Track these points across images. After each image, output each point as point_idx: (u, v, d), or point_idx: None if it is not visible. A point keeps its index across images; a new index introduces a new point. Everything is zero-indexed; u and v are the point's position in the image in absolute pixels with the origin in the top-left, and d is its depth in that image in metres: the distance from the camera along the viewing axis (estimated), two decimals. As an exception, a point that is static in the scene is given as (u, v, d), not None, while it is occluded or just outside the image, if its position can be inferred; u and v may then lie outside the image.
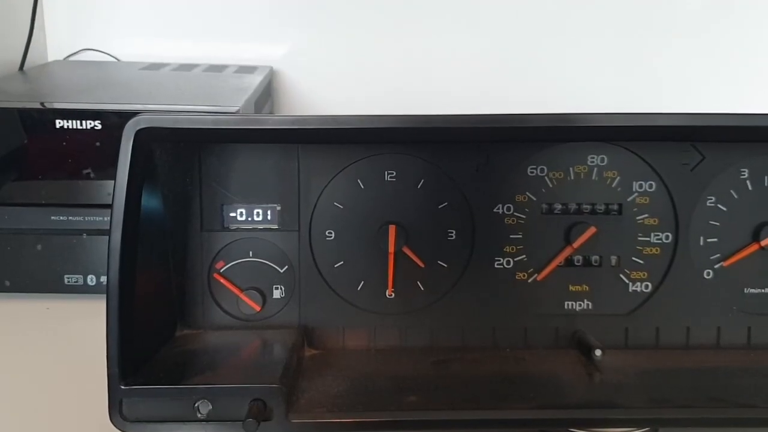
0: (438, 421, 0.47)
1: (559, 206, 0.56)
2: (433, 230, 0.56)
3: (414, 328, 0.56)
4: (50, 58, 1.08)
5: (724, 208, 0.56)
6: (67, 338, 0.63)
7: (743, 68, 1.11)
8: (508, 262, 0.56)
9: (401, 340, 0.56)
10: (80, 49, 1.08)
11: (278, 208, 0.56)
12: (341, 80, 1.12)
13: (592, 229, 0.55)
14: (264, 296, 0.56)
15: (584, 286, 0.57)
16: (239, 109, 0.72)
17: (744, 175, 0.55)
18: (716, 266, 0.56)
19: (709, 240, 0.56)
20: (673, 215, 0.56)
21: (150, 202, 0.51)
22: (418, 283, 0.56)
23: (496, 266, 0.56)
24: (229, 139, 0.54)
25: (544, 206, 0.56)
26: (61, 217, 0.70)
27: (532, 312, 0.56)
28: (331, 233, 0.56)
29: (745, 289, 0.56)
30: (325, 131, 0.49)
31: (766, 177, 0.55)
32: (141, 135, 0.46)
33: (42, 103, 0.71)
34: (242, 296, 0.56)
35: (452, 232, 0.56)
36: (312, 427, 0.46)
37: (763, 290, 0.56)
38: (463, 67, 1.11)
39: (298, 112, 1.12)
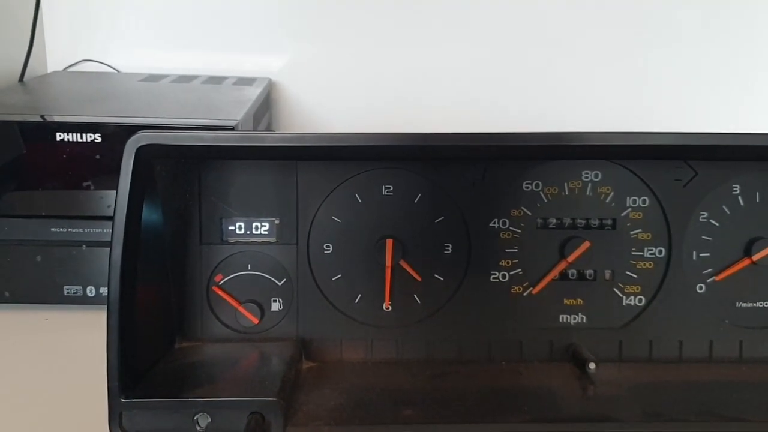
0: (434, 434, 0.47)
1: (554, 221, 0.57)
2: (430, 244, 0.57)
3: (411, 341, 0.57)
4: (50, 69, 1.08)
5: (717, 224, 0.57)
6: (66, 349, 0.64)
7: (741, 83, 1.12)
8: (503, 276, 0.57)
9: (398, 353, 0.57)
10: (80, 60, 1.09)
11: (277, 221, 0.57)
12: (340, 91, 1.12)
13: (587, 244, 0.56)
14: (262, 309, 0.57)
15: (578, 300, 0.57)
16: (238, 122, 0.72)
17: (736, 191, 0.56)
18: (708, 281, 0.57)
19: (701, 255, 0.57)
20: (666, 230, 0.57)
21: (150, 216, 0.51)
22: (415, 296, 0.57)
23: (491, 280, 0.57)
24: (229, 155, 0.54)
25: (539, 221, 0.57)
26: (61, 229, 0.70)
27: (527, 325, 0.57)
28: (329, 247, 0.57)
29: (737, 303, 0.57)
30: (323, 149, 0.50)
31: (757, 193, 0.56)
32: (142, 151, 0.47)
33: (42, 116, 0.71)
34: (241, 309, 0.56)
35: (448, 246, 0.57)
36: (310, 441, 0.47)
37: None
38: (464, 77, 1.11)
39: (297, 123, 1.13)
